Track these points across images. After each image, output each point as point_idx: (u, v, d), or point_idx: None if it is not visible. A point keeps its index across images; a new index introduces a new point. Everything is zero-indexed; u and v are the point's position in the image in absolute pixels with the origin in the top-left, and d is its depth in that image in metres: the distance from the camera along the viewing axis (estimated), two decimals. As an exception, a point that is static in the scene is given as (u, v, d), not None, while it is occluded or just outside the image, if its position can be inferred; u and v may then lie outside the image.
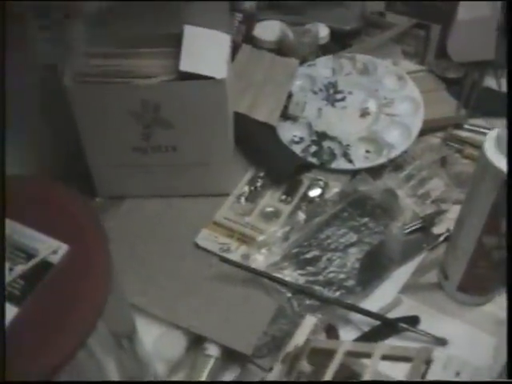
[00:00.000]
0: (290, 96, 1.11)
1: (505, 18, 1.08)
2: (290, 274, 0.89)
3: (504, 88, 1.15)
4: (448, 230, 0.94)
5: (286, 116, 1.09)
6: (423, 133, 1.09)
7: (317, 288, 0.88)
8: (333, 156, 1.05)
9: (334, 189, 1.01)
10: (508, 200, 0.71)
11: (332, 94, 1.14)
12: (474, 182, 0.78)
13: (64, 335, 0.54)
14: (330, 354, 0.68)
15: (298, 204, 0.99)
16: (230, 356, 0.83)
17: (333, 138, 1.07)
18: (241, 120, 0.98)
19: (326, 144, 1.06)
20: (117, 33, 0.87)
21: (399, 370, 0.66)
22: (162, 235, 0.95)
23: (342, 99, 1.13)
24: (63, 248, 0.59)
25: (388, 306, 0.87)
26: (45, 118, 0.93)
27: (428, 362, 0.62)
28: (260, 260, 0.91)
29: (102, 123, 0.90)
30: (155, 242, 0.94)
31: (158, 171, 0.96)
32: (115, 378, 0.66)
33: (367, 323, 0.85)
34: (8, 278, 0.57)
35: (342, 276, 0.89)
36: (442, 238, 0.95)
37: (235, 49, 1.07)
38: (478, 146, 1.03)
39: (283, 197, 1.00)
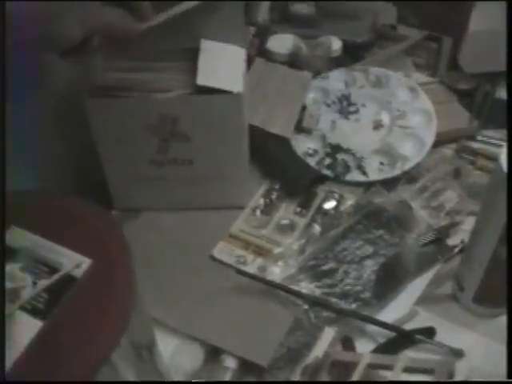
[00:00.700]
0: (303, 109, 1.11)
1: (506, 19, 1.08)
2: (306, 287, 0.90)
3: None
4: (462, 242, 0.94)
5: (300, 129, 1.10)
6: (436, 144, 1.09)
7: (333, 300, 0.88)
8: (347, 168, 1.05)
9: (349, 201, 1.01)
10: (508, 200, 0.71)
11: (345, 106, 1.15)
12: (489, 194, 0.78)
13: (88, 351, 0.55)
14: (350, 366, 0.68)
15: (313, 216, 0.99)
16: (246, 368, 0.83)
17: (347, 151, 1.08)
18: (255, 133, 0.99)
19: (340, 156, 1.07)
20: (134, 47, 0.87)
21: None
22: (179, 248, 0.96)
23: (356, 112, 1.14)
24: (86, 262, 0.60)
25: (404, 318, 0.88)
26: (61, 131, 0.94)
27: (450, 375, 0.63)
28: (276, 272, 0.92)
29: (119, 136, 0.90)
30: (171, 255, 0.95)
31: (174, 184, 0.97)
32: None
33: (383, 335, 0.85)
34: (32, 292, 0.58)
35: (357, 288, 0.90)
36: (456, 250, 0.95)
37: (249, 62, 1.08)
38: (491, 158, 1.04)
39: (298, 209, 1.01)
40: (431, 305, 0.90)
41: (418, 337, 0.84)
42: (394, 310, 0.88)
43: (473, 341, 0.85)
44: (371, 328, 0.86)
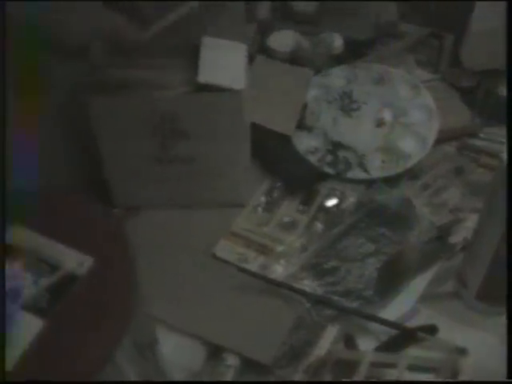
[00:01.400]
0: (304, 106, 1.11)
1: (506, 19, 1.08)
2: (308, 285, 0.90)
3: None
4: (465, 239, 0.94)
5: (301, 126, 1.09)
6: (438, 142, 1.09)
7: (335, 298, 0.88)
8: (348, 166, 1.05)
9: (351, 198, 1.01)
10: (508, 200, 0.71)
11: (347, 103, 1.14)
12: (493, 191, 0.78)
13: (91, 350, 0.55)
14: (353, 364, 0.68)
15: (315, 214, 0.99)
16: (248, 366, 0.83)
17: (348, 148, 1.07)
18: (256, 130, 0.98)
19: (342, 154, 1.06)
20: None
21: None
22: (180, 246, 0.96)
23: (357, 109, 1.13)
24: (88, 261, 0.60)
25: (406, 316, 0.87)
26: (62, 129, 0.94)
27: (455, 373, 0.62)
28: (278, 270, 0.92)
29: (120, 134, 0.90)
30: (173, 253, 0.95)
31: (175, 182, 0.97)
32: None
33: (385, 333, 0.85)
34: (33, 290, 0.58)
35: (360, 286, 0.90)
36: (459, 247, 0.94)
37: (250, 59, 1.07)
38: (494, 155, 1.04)
39: (300, 207, 1.01)
40: (434, 302, 0.90)
41: (421, 334, 0.83)
42: (397, 308, 0.88)
43: (476, 339, 0.84)
44: (374, 326, 0.86)
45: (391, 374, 0.67)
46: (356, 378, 0.66)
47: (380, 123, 1.11)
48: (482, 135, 1.13)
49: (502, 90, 1.18)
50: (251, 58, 1.14)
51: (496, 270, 0.82)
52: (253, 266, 0.92)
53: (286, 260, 0.92)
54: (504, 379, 0.75)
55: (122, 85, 0.86)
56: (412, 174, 1.05)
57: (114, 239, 0.62)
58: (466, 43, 1.19)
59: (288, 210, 1.01)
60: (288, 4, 1.28)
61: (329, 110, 1.14)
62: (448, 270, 0.93)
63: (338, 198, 1.02)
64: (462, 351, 0.80)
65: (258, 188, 1.04)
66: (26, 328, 0.55)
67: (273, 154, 1.06)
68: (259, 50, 1.21)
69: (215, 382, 0.81)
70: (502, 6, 1.10)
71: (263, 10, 1.25)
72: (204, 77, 0.84)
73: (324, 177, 1.05)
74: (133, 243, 0.62)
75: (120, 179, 0.97)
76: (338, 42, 1.23)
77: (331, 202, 1.01)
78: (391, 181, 1.04)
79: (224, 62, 0.87)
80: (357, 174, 1.04)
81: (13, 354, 0.54)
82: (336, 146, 1.08)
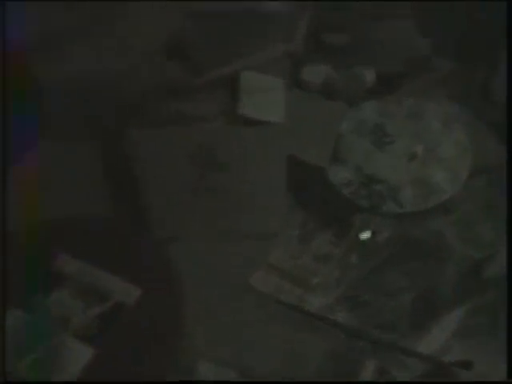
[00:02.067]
0: (338, 139, 1.12)
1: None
2: (343, 317, 0.90)
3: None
4: (499, 274, 0.94)
5: (335, 159, 1.10)
6: (470, 176, 1.09)
7: (370, 331, 0.88)
8: (382, 199, 1.05)
9: (385, 231, 1.02)
10: (508, 202, 0.72)
11: (380, 137, 1.15)
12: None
13: (139, 377, 0.56)
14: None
15: (349, 246, 1.00)
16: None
17: (382, 181, 1.08)
18: (291, 163, 0.99)
19: (375, 187, 1.07)
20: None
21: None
22: (216, 275, 0.96)
23: (390, 142, 1.14)
24: (137, 291, 0.61)
25: (441, 350, 0.87)
26: (105, 161, 0.96)
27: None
28: (314, 302, 0.92)
29: (159, 165, 0.92)
30: (209, 283, 0.95)
31: (212, 212, 0.98)
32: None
33: (420, 366, 0.85)
34: (83, 319, 0.59)
35: (394, 319, 0.90)
36: (493, 282, 0.94)
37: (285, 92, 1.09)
38: (525, 189, 1.04)
39: (334, 239, 1.01)
40: (468, 337, 0.89)
41: (456, 369, 0.84)
42: (431, 342, 0.89)
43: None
44: (409, 359, 0.86)
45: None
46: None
47: (412, 157, 1.12)
48: (513, 169, 1.13)
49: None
50: (286, 91, 1.15)
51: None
52: (289, 297, 0.93)
53: (321, 292, 0.93)
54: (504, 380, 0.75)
55: (162, 115, 0.88)
56: (444, 208, 1.05)
57: (161, 268, 0.63)
58: (498, 77, 1.20)
59: (322, 242, 1.01)
60: (321, 37, 1.29)
61: (362, 144, 1.14)
62: (483, 305, 0.93)
63: (372, 231, 1.02)
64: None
65: (293, 219, 1.04)
66: (77, 355, 0.56)
67: (307, 185, 1.06)
68: (293, 83, 1.22)
69: (216, 381, 0.81)
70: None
71: (296, 44, 1.27)
72: (243, 110, 0.86)
73: (358, 210, 1.05)
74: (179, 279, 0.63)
75: (157, 209, 0.98)
76: (370, 76, 1.24)
77: (365, 235, 1.02)
78: (424, 214, 1.04)
79: (262, 96, 0.88)
80: (390, 207, 1.05)
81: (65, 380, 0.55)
82: (369, 179, 1.08)
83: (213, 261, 0.99)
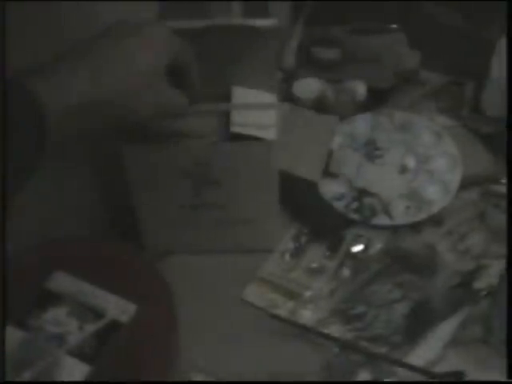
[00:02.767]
0: (330, 153, 1.13)
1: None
2: (336, 330, 0.91)
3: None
4: (490, 285, 0.95)
5: (326, 173, 1.11)
6: (461, 188, 1.10)
7: (363, 343, 0.89)
8: (374, 212, 1.07)
9: (377, 244, 1.03)
10: (508, 206, 0.73)
11: (371, 150, 1.16)
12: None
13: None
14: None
15: (342, 260, 1.01)
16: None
17: (373, 195, 1.09)
18: (283, 177, 1.00)
19: (367, 200, 1.08)
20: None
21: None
22: (209, 290, 0.98)
23: (381, 156, 1.15)
24: (131, 308, 0.62)
25: (433, 361, 0.88)
26: (95, 177, 0.96)
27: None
28: (307, 316, 0.93)
29: (153, 181, 0.92)
30: (202, 297, 0.96)
31: (205, 227, 0.99)
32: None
33: (413, 378, 0.86)
34: (78, 336, 0.60)
35: (387, 331, 0.91)
36: (484, 293, 0.95)
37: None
38: (516, 201, 1.05)
39: (327, 253, 1.02)
40: (461, 348, 0.90)
41: (448, 380, 0.84)
42: (424, 354, 0.89)
43: (503, 384, 0.85)
44: (401, 371, 0.86)
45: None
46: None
47: (403, 170, 1.13)
48: (503, 181, 1.14)
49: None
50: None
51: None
52: (281, 311, 0.93)
53: (314, 305, 0.94)
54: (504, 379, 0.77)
55: (156, 132, 0.88)
56: (436, 220, 1.06)
57: (155, 284, 0.64)
58: (486, 90, 1.21)
59: (315, 255, 1.02)
60: (311, 51, 1.31)
61: (353, 157, 1.16)
62: (474, 316, 0.94)
63: (364, 244, 1.03)
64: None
65: (286, 234, 1.05)
66: (72, 372, 0.57)
67: (300, 200, 1.07)
68: (284, 98, 1.23)
69: (216, 382, 0.82)
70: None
71: (288, 58, 1.28)
72: (236, 126, 0.86)
73: (350, 223, 1.07)
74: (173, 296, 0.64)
75: (151, 224, 0.98)
76: (361, 90, 1.25)
77: (357, 248, 1.03)
78: (415, 227, 1.05)
79: (255, 112, 0.89)
80: (382, 220, 1.06)
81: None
82: (361, 193, 1.10)
83: (206, 275, 1.00)
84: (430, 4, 1.33)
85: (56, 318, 0.60)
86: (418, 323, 0.92)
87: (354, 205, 1.08)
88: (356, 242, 1.04)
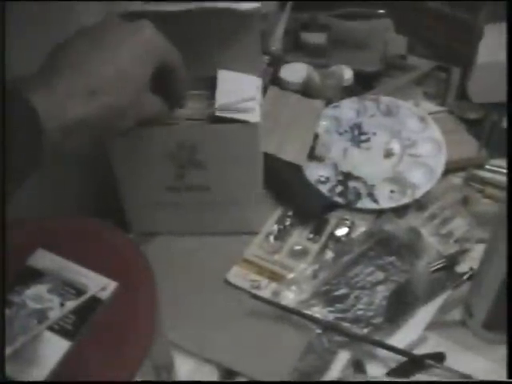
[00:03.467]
0: (316, 137, 1.14)
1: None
2: (319, 311, 0.92)
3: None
4: (472, 269, 0.96)
5: (312, 156, 1.12)
6: (445, 173, 1.11)
7: (345, 325, 0.90)
8: (358, 196, 1.07)
9: (361, 228, 1.04)
10: (509, 207, 0.73)
11: (357, 135, 1.17)
12: (499, 222, 0.80)
13: (114, 371, 0.57)
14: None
15: (325, 242, 1.02)
16: (260, 390, 0.85)
17: (358, 178, 1.10)
18: (269, 160, 1.01)
19: (352, 184, 1.09)
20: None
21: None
22: (193, 272, 0.98)
23: (367, 140, 1.16)
24: (112, 285, 0.62)
25: (414, 343, 0.89)
26: (80, 156, 0.97)
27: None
28: (290, 297, 0.94)
29: (138, 163, 0.93)
30: (186, 279, 0.97)
31: (190, 209, 0.99)
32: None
33: (394, 359, 0.87)
34: (59, 313, 0.60)
35: (369, 313, 0.92)
36: (465, 277, 0.96)
37: (263, 90, 1.10)
38: (499, 186, 1.06)
39: (311, 235, 1.03)
40: (441, 330, 0.91)
41: (428, 362, 0.85)
42: (405, 335, 0.90)
43: (482, 366, 0.86)
44: (383, 352, 0.88)
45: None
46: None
47: (388, 154, 1.14)
48: (487, 166, 1.15)
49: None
50: (263, 89, 1.17)
51: (502, 299, 0.83)
52: (265, 293, 0.94)
53: (297, 287, 0.94)
54: (504, 379, 0.78)
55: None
56: (420, 204, 1.07)
57: (136, 263, 0.64)
58: (472, 76, 1.22)
59: (299, 238, 1.03)
60: (299, 36, 1.31)
61: (339, 142, 1.16)
62: (455, 299, 0.95)
63: (348, 227, 1.04)
64: (467, 378, 0.82)
65: (271, 216, 1.06)
66: (53, 348, 0.58)
67: (285, 183, 1.08)
68: (272, 82, 1.23)
69: (216, 381, 0.83)
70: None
71: (275, 43, 1.29)
72: (220, 109, 0.87)
73: (334, 206, 1.07)
74: (153, 273, 0.65)
75: (137, 206, 0.99)
76: (347, 75, 1.25)
77: (341, 232, 1.03)
78: (399, 211, 1.06)
79: (239, 95, 0.89)
80: (366, 203, 1.07)
81: (40, 374, 0.56)
82: (346, 177, 1.10)
83: (190, 257, 1.01)
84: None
85: (38, 295, 0.61)
86: (400, 305, 0.92)
87: (339, 188, 1.09)
88: (340, 226, 1.04)
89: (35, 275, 0.63)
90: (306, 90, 1.22)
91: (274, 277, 0.97)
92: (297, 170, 1.09)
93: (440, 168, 1.10)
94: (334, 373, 0.80)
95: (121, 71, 0.70)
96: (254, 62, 0.94)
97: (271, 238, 1.03)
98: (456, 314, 0.94)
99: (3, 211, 0.54)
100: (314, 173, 1.11)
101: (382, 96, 1.23)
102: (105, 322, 0.60)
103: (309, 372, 0.86)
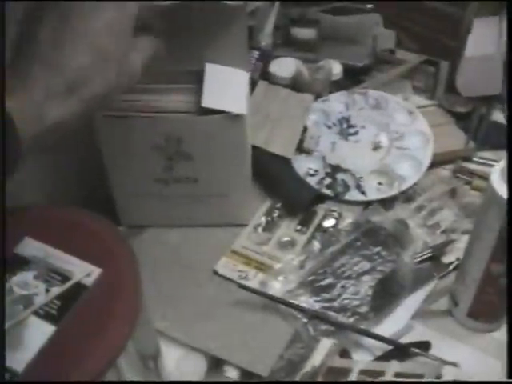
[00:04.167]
0: (304, 130, 1.15)
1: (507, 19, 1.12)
2: (305, 301, 0.93)
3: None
4: (457, 259, 0.97)
5: (301, 149, 1.13)
6: (433, 165, 1.13)
7: (331, 314, 0.92)
8: (346, 188, 1.09)
9: (348, 219, 1.05)
10: (509, 211, 0.75)
11: (345, 128, 1.18)
12: (481, 212, 0.81)
13: (97, 353, 0.58)
14: (345, 372, 0.72)
15: (312, 234, 1.03)
16: (247, 378, 0.86)
17: (346, 171, 1.11)
18: (257, 153, 1.02)
19: (340, 176, 1.10)
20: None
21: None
22: (182, 263, 0.99)
23: (355, 133, 1.18)
24: (96, 271, 0.64)
25: (400, 332, 0.90)
26: (68, 146, 0.97)
27: (438, 378, 0.66)
28: (277, 287, 0.95)
29: (126, 155, 0.94)
30: (175, 270, 0.98)
31: (178, 202, 1.01)
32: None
33: (380, 348, 0.88)
34: (45, 298, 0.62)
35: (355, 302, 0.93)
36: (451, 267, 0.98)
37: (252, 85, 1.11)
38: (487, 178, 1.07)
39: (299, 227, 1.04)
40: (427, 319, 0.93)
41: (414, 350, 0.87)
42: (391, 324, 0.91)
43: (467, 354, 0.88)
44: (368, 341, 0.89)
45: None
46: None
47: (376, 147, 1.15)
48: (475, 159, 1.16)
49: (495, 116, 1.22)
50: (253, 84, 1.18)
51: (486, 289, 0.85)
52: (252, 283, 0.95)
53: (284, 277, 0.96)
54: (504, 379, 0.79)
55: (129, 107, 0.90)
56: (407, 196, 1.09)
57: (120, 251, 0.65)
58: (461, 70, 1.23)
59: (287, 229, 1.04)
60: (288, 31, 1.33)
61: (328, 135, 1.18)
62: (441, 289, 0.96)
63: (335, 219, 1.05)
64: (453, 366, 0.84)
65: (259, 209, 1.07)
66: (38, 333, 0.59)
67: (273, 176, 1.09)
68: (261, 76, 1.25)
69: (215, 381, 0.84)
70: (495, 32, 1.15)
71: (265, 38, 1.30)
72: (208, 102, 0.88)
73: (322, 198, 1.09)
74: (136, 260, 0.66)
75: (125, 198, 1.00)
76: (336, 69, 1.27)
77: (329, 223, 1.05)
78: (387, 203, 1.08)
79: (227, 88, 0.91)
80: (354, 195, 1.08)
81: (26, 357, 0.57)
82: (334, 169, 1.12)
83: (178, 248, 1.02)
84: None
85: (24, 281, 0.62)
86: (386, 295, 0.94)
87: (328, 181, 1.10)
88: (328, 217, 1.06)
89: (22, 263, 0.64)
90: (296, 85, 1.24)
91: (262, 267, 0.98)
92: (285, 162, 1.10)
93: (427, 160, 1.11)
94: (317, 358, 0.81)
95: (98, 52, 0.62)
96: (241, 57, 0.95)
97: (259, 230, 1.04)
98: (442, 304, 0.95)
99: (3, 210, 0.54)
100: (303, 165, 1.12)
101: (370, 90, 1.25)
102: (88, 307, 0.61)
103: (295, 360, 0.87)
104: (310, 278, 0.96)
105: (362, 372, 0.72)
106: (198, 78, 0.92)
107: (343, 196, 1.08)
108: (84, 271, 0.63)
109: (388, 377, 0.69)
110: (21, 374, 0.56)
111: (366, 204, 1.08)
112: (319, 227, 1.04)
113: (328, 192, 1.09)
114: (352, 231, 1.02)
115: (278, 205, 1.08)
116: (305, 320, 0.91)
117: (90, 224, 0.68)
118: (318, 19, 1.34)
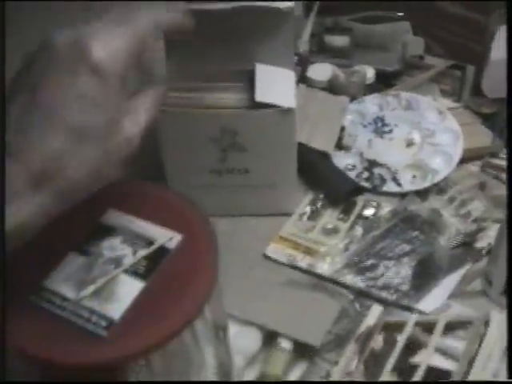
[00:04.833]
0: (342, 129, 1.22)
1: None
2: (351, 280, 1.00)
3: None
4: (489, 244, 1.04)
5: (339, 146, 1.21)
6: (463, 161, 1.20)
7: (375, 291, 0.98)
8: (383, 181, 1.16)
9: (386, 208, 1.12)
10: (509, 200, 0.81)
11: (380, 126, 1.26)
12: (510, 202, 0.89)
13: (178, 311, 0.65)
14: (401, 325, 0.79)
15: (354, 221, 1.10)
16: (300, 350, 0.93)
17: (382, 165, 1.18)
18: (301, 149, 1.08)
19: (377, 171, 1.17)
20: (194, 69, 0.98)
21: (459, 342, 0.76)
22: (234, 248, 1.06)
23: (390, 131, 1.25)
24: (177, 237, 0.71)
25: (438, 310, 0.97)
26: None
27: (486, 324, 0.73)
28: (324, 268, 1.02)
29: (183, 147, 1.01)
30: (228, 254, 1.03)
31: (230, 192, 1.07)
32: (212, 364, 0.76)
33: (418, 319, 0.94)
34: (133, 259, 0.69)
35: (397, 281, 1.00)
36: (484, 252, 1.04)
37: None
38: (513, 172, 1.14)
39: (341, 215, 1.11)
40: (463, 299, 0.99)
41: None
42: (430, 302, 0.98)
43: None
44: (410, 317, 0.95)
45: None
46: (401, 339, 0.77)
47: (410, 144, 1.23)
48: (502, 155, 1.23)
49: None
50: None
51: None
52: (301, 265, 1.03)
53: (330, 259, 1.03)
54: (505, 379, 0.83)
55: (186, 104, 0.97)
56: (440, 188, 1.16)
57: (196, 219, 0.72)
58: (486, 73, 1.30)
59: (330, 218, 1.11)
60: (324, 39, 1.40)
61: (364, 133, 1.25)
62: (475, 272, 1.03)
63: (375, 208, 1.12)
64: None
65: (304, 199, 1.15)
66: (128, 288, 0.66)
67: (316, 169, 1.17)
68: (300, 81, 1.32)
69: (216, 382, 0.89)
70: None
71: (302, 45, 1.38)
72: (260, 97, 0.95)
73: (361, 191, 1.16)
74: (213, 228, 0.73)
75: (180, 188, 1.06)
76: (370, 73, 1.34)
77: (368, 212, 1.12)
78: (421, 194, 1.15)
79: (276, 86, 0.98)
80: (391, 187, 1.15)
81: (119, 308, 0.65)
82: (371, 164, 1.19)
83: (229, 236, 1.08)
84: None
85: (112, 246, 0.69)
86: (425, 275, 1.00)
87: (365, 174, 1.17)
88: (367, 207, 1.13)
89: (109, 230, 0.71)
90: (332, 88, 1.31)
91: (309, 251, 1.05)
92: (326, 157, 1.18)
93: (458, 155, 1.18)
94: (370, 319, 0.89)
95: (72, 131, 0.51)
96: (288, 57, 1.02)
97: (305, 218, 1.11)
98: (476, 285, 1.01)
99: (2, 208, 0.51)
100: (342, 161, 1.19)
101: (402, 92, 1.32)
102: (172, 267, 0.68)
103: (343, 334, 0.94)
104: (355, 260, 1.03)
105: (417, 324, 0.79)
106: (247, 77, 1.00)
107: (381, 188, 1.15)
108: (166, 236, 0.70)
109: (440, 326, 0.76)
110: (117, 322, 0.63)
111: (402, 195, 1.15)
112: (360, 216, 1.11)
113: (366, 184, 1.16)
114: (391, 218, 1.09)
115: (321, 196, 1.15)
116: (351, 297, 0.98)
117: (166, 196, 0.75)
118: (350, 27, 1.41)
